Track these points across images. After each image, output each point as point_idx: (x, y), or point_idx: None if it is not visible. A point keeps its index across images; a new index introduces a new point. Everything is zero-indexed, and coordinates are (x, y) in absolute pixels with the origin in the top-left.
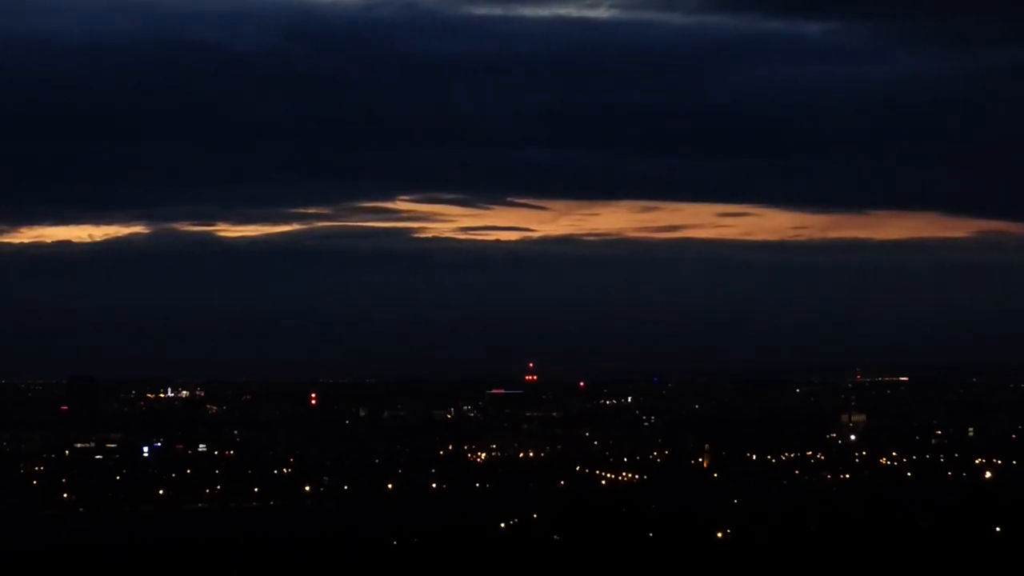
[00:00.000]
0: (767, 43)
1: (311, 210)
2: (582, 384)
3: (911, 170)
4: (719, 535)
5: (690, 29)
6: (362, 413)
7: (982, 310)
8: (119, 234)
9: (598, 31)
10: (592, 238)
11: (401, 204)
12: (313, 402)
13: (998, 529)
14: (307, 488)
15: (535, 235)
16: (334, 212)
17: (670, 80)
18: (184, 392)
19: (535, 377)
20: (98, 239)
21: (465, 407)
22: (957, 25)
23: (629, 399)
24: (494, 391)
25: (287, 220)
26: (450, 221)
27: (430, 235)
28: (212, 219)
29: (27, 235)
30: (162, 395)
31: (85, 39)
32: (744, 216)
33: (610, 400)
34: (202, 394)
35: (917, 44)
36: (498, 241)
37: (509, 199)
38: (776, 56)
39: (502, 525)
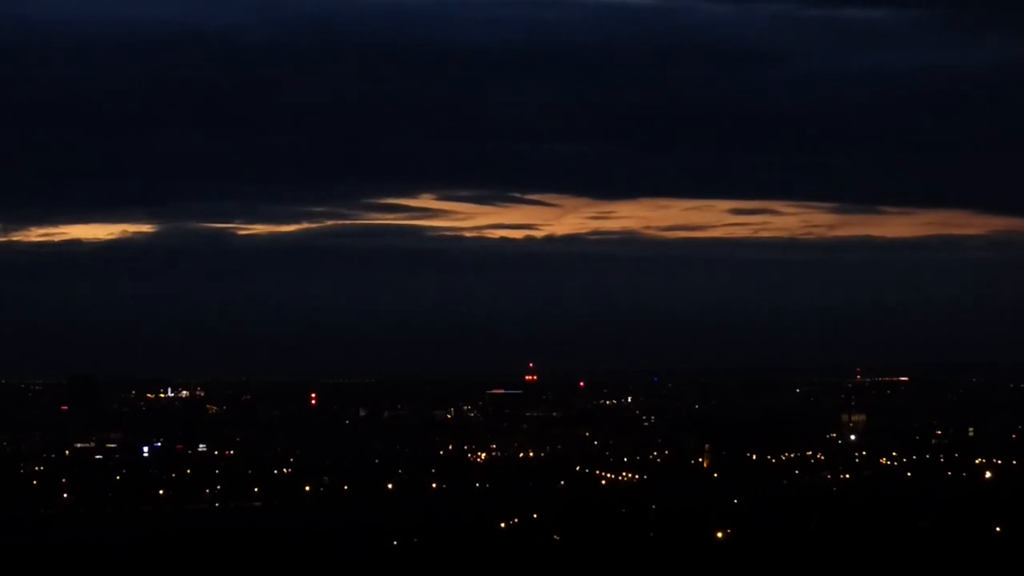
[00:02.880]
0: (800, 35)
1: (321, 208)
2: (582, 384)
3: (922, 167)
4: (719, 535)
5: (702, 23)
6: (362, 413)
7: (983, 309)
8: (126, 233)
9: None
10: (596, 237)
11: (415, 201)
12: (313, 402)
13: (998, 529)
14: (307, 488)
15: (539, 234)
16: (345, 211)
17: (680, 76)
18: (184, 392)
19: (535, 377)
20: (103, 238)
21: (465, 407)
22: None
23: (629, 399)
24: (494, 391)
25: (297, 219)
26: (464, 218)
27: (437, 234)
28: (220, 218)
29: (35, 234)
30: (162, 395)
31: (92, 32)
32: (757, 214)
33: (610, 400)
34: (202, 394)
35: (941, 36)
36: (503, 239)
37: (525, 196)
38: (804, 49)
39: (502, 525)
